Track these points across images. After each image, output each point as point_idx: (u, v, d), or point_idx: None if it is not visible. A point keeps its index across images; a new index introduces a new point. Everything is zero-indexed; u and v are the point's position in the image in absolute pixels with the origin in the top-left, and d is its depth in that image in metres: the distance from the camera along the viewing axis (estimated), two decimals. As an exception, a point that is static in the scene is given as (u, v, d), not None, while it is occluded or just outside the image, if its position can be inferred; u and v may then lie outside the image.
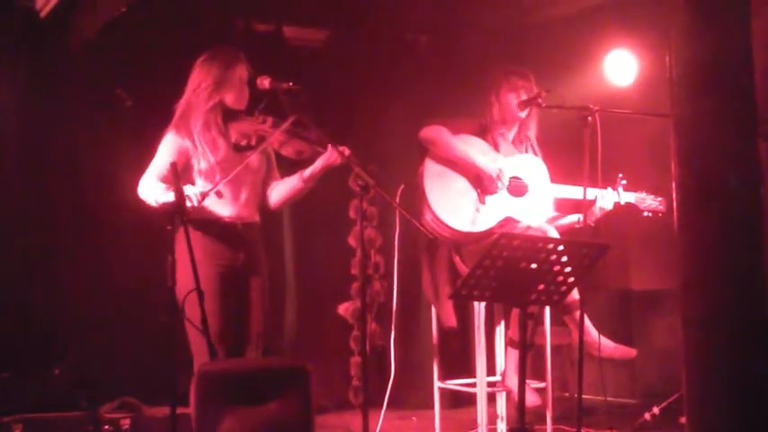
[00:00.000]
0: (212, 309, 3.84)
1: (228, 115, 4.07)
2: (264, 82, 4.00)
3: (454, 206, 4.36)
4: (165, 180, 3.93)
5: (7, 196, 5.37)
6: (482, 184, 4.42)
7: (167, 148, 4.00)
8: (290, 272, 6.14)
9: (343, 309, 5.51)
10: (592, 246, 3.53)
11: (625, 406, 5.69)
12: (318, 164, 4.06)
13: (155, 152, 4.01)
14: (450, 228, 4.34)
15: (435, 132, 4.46)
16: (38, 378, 5.07)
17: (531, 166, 4.54)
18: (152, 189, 3.92)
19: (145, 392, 5.04)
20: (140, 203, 3.95)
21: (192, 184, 3.96)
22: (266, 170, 4.18)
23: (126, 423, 4.77)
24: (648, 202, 4.66)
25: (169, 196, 3.77)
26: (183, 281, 3.68)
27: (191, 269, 3.71)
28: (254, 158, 4.03)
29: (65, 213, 5.52)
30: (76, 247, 5.54)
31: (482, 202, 4.41)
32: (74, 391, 4.92)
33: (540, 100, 4.40)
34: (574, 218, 4.58)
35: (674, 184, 2.73)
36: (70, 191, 5.54)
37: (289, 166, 4.23)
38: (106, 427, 4.72)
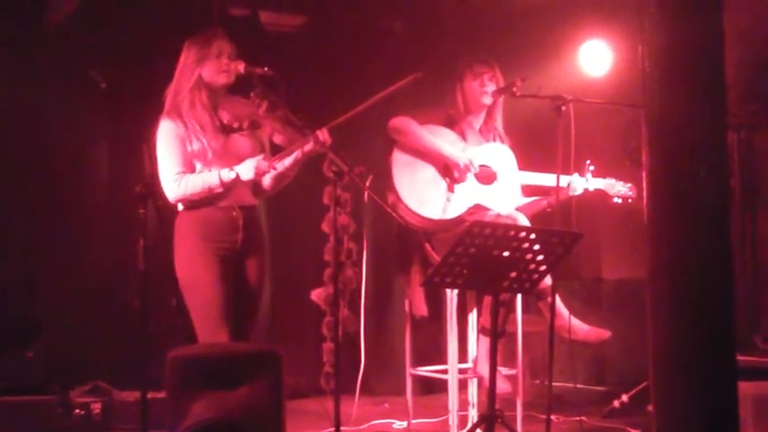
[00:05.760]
0: (213, 292, 3.88)
1: (222, 96, 4.02)
2: (239, 67, 3.98)
3: (423, 195, 4.38)
4: (186, 165, 3.91)
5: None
6: (451, 173, 4.43)
7: (167, 136, 3.93)
8: (264, 257, 6.12)
9: (316, 295, 5.48)
10: (564, 234, 3.56)
11: (595, 393, 5.74)
12: (299, 153, 4.01)
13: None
14: (419, 216, 4.35)
15: (403, 123, 4.47)
16: (9, 361, 5.03)
17: (499, 155, 4.56)
18: (187, 182, 3.89)
19: (116, 377, 5.03)
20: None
21: (192, 167, 3.94)
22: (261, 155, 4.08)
23: (97, 407, 4.76)
24: (618, 188, 4.70)
25: (225, 173, 3.85)
26: (183, 265, 3.89)
27: (189, 254, 3.86)
28: (245, 143, 4.02)
29: (37, 195, 5.47)
30: (49, 229, 5.50)
31: (451, 190, 4.42)
32: (45, 375, 4.88)
33: (514, 89, 4.42)
34: (541, 202, 4.57)
35: (644, 174, 2.76)
36: (43, 173, 5.50)
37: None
38: (77, 410, 4.71)
